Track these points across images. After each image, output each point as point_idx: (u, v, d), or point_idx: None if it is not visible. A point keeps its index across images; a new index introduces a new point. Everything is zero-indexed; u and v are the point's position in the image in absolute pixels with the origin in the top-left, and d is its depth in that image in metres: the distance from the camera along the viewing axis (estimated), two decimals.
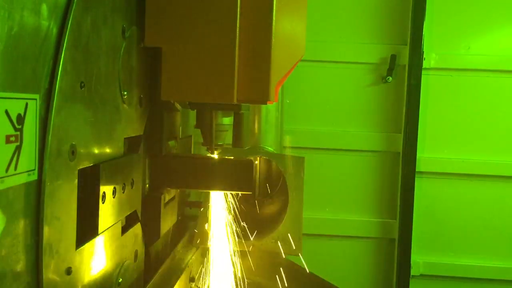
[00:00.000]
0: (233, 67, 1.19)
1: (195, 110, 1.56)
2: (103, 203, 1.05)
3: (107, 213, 1.09)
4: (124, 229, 1.23)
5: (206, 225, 1.78)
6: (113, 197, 1.12)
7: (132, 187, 1.25)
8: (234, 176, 1.47)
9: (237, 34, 1.18)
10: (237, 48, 1.19)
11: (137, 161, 1.31)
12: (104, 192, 1.05)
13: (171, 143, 1.51)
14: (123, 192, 1.18)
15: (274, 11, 1.19)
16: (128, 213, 1.26)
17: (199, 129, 1.55)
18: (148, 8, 1.20)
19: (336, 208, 3.58)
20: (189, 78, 1.20)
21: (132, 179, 1.25)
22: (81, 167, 0.96)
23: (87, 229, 1.02)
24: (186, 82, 1.21)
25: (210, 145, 1.47)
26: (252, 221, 1.98)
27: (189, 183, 1.51)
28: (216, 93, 1.21)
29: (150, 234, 1.42)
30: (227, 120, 1.53)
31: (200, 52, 1.19)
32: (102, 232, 1.07)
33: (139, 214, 1.35)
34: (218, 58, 1.19)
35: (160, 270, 1.47)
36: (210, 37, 1.19)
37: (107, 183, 1.07)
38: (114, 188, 1.12)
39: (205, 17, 1.19)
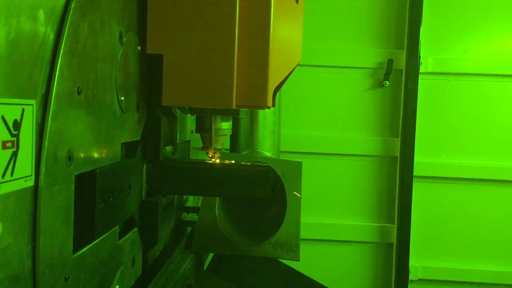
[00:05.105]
0: (232, 73, 1.21)
1: (194, 115, 1.57)
2: (100, 208, 1.05)
3: (104, 218, 1.08)
4: (122, 235, 1.22)
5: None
6: (110, 203, 1.11)
7: (129, 192, 1.25)
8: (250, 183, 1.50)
9: (236, 42, 1.21)
10: (236, 55, 1.21)
11: (134, 167, 1.31)
12: (101, 198, 1.05)
13: (169, 148, 1.51)
14: (120, 198, 1.18)
15: (272, 19, 1.22)
16: (125, 219, 1.26)
17: (199, 133, 1.56)
18: (150, 16, 1.22)
19: (334, 212, 3.58)
20: (189, 84, 1.23)
21: (129, 184, 1.25)
22: (78, 172, 0.96)
23: (84, 235, 1.01)
24: (187, 87, 1.23)
25: (210, 149, 1.49)
26: (250, 225, 1.98)
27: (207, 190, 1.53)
28: (216, 99, 1.23)
29: (148, 239, 1.41)
30: (226, 125, 1.55)
31: (200, 58, 1.22)
32: (100, 238, 1.06)
33: (137, 220, 1.34)
34: (217, 65, 1.22)
35: (157, 276, 1.46)
36: (209, 45, 1.21)
37: (104, 188, 1.07)
38: (111, 193, 1.12)
39: (205, 26, 1.21)
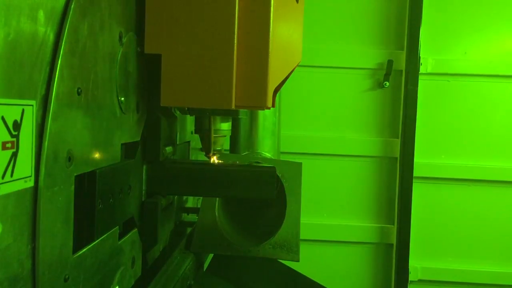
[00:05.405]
0: (231, 73, 1.20)
1: (193, 116, 1.57)
2: (100, 209, 1.05)
3: (104, 219, 1.08)
4: (121, 236, 1.22)
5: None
6: (110, 203, 1.11)
7: (129, 193, 1.25)
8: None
9: (235, 42, 1.20)
10: (235, 55, 1.20)
11: (134, 167, 1.31)
12: (100, 199, 1.05)
13: (168, 149, 1.51)
14: (120, 198, 1.18)
15: (271, 19, 1.21)
16: (125, 219, 1.26)
17: (198, 134, 1.56)
18: (148, 16, 1.22)
19: (334, 213, 3.58)
20: (188, 84, 1.22)
21: (129, 185, 1.25)
22: (77, 173, 0.96)
23: (84, 235, 1.01)
24: (186, 88, 1.22)
25: (209, 151, 1.49)
26: (249, 226, 1.98)
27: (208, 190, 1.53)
28: (215, 99, 1.22)
29: (147, 240, 1.41)
30: (226, 126, 1.54)
31: (199, 59, 1.21)
32: (99, 238, 1.06)
33: (136, 220, 1.34)
34: (216, 65, 1.21)
35: (157, 277, 1.46)
36: (208, 44, 1.21)
37: (104, 189, 1.07)
38: (111, 194, 1.12)
39: (204, 26, 1.20)
